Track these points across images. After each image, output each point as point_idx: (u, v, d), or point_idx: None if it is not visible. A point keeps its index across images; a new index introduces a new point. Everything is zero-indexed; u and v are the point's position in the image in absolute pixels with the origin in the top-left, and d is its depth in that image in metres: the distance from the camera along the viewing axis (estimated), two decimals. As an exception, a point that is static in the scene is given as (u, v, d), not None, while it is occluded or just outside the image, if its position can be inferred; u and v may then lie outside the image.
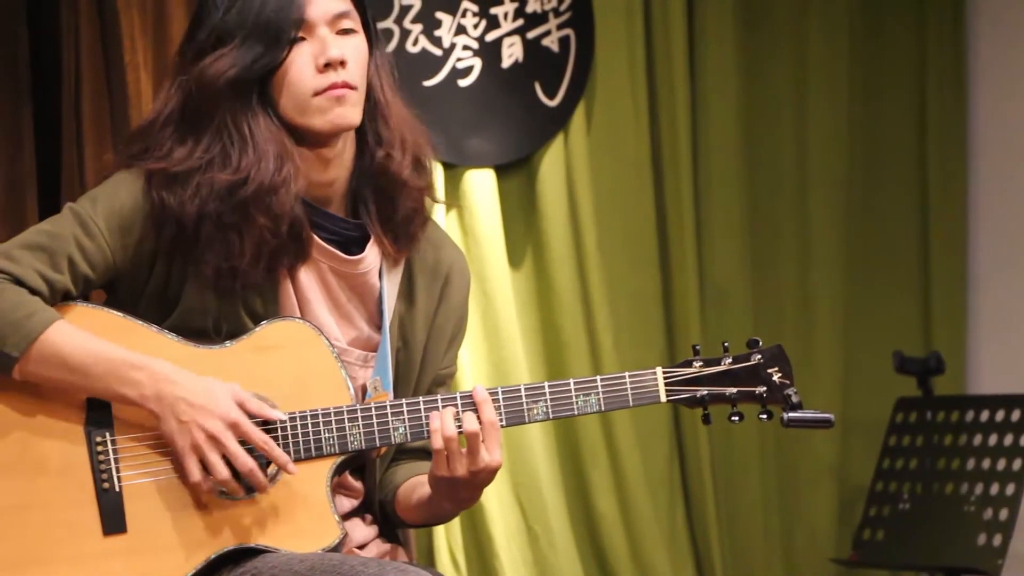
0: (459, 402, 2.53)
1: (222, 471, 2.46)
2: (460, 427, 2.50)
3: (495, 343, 4.40)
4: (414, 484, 2.67)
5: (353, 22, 2.58)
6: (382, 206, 2.63)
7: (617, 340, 4.56)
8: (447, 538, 4.31)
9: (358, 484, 2.68)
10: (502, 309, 4.41)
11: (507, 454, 4.29)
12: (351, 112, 2.56)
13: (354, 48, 2.57)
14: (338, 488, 2.62)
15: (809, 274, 4.89)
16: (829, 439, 4.86)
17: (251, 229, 2.51)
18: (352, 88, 2.55)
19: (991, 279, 5.06)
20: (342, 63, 2.54)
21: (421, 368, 2.69)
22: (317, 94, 2.54)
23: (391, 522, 2.71)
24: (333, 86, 2.54)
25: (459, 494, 2.57)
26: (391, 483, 2.70)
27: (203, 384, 2.48)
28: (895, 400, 4.62)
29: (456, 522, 4.31)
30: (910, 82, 5.02)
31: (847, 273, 4.93)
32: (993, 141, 5.06)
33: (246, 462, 2.47)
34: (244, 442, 2.48)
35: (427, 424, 2.52)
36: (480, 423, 2.51)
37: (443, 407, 2.52)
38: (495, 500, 4.35)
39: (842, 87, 4.92)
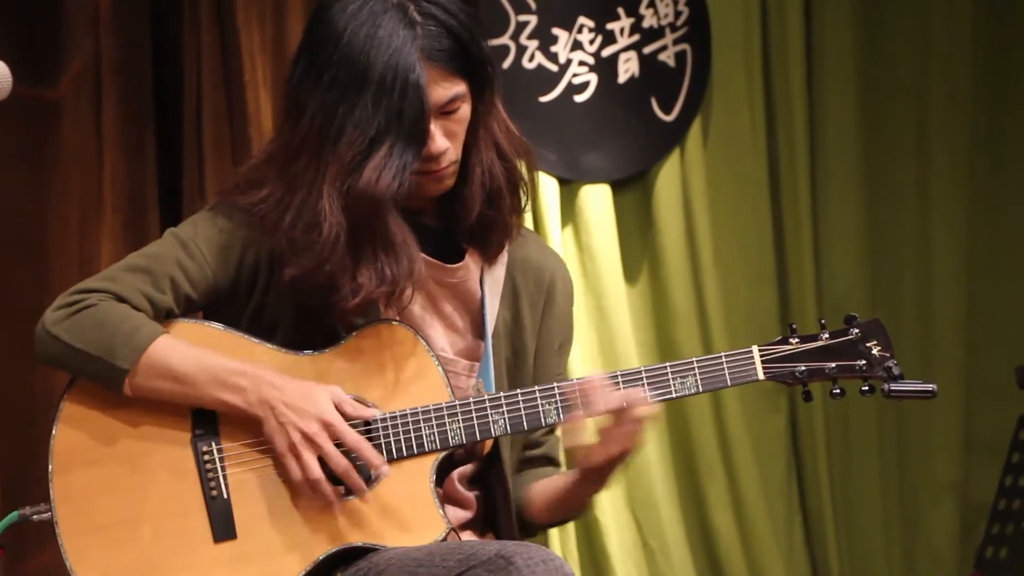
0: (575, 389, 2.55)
1: (314, 471, 2.49)
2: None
3: (611, 358, 4.39)
4: (546, 484, 2.70)
5: (459, 95, 2.55)
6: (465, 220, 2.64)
7: (734, 355, 4.52)
8: (562, 552, 4.31)
9: (470, 495, 2.69)
10: (618, 324, 4.41)
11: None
12: (448, 182, 2.59)
13: (457, 124, 2.56)
14: (446, 499, 2.64)
15: (929, 288, 4.83)
16: (951, 456, 4.81)
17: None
18: (452, 164, 2.57)
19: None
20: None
21: (536, 375, 2.71)
22: (417, 173, 2.55)
23: (522, 529, 2.74)
24: (433, 171, 2.56)
25: (614, 467, 2.59)
26: (517, 492, 2.72)
27: (303, 387, 2.51)
28: (1018, 417, 4.56)
29: (572, 536, 4.31)
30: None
31: (968, 287, 4.86)
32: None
33: (340, 462, 2.50)
34: (341, 445, 2.51)
35: (528, 416, 2.55)
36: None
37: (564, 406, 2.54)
38: (611, 516, 4.35)
39: (966, 98, 4.85)
